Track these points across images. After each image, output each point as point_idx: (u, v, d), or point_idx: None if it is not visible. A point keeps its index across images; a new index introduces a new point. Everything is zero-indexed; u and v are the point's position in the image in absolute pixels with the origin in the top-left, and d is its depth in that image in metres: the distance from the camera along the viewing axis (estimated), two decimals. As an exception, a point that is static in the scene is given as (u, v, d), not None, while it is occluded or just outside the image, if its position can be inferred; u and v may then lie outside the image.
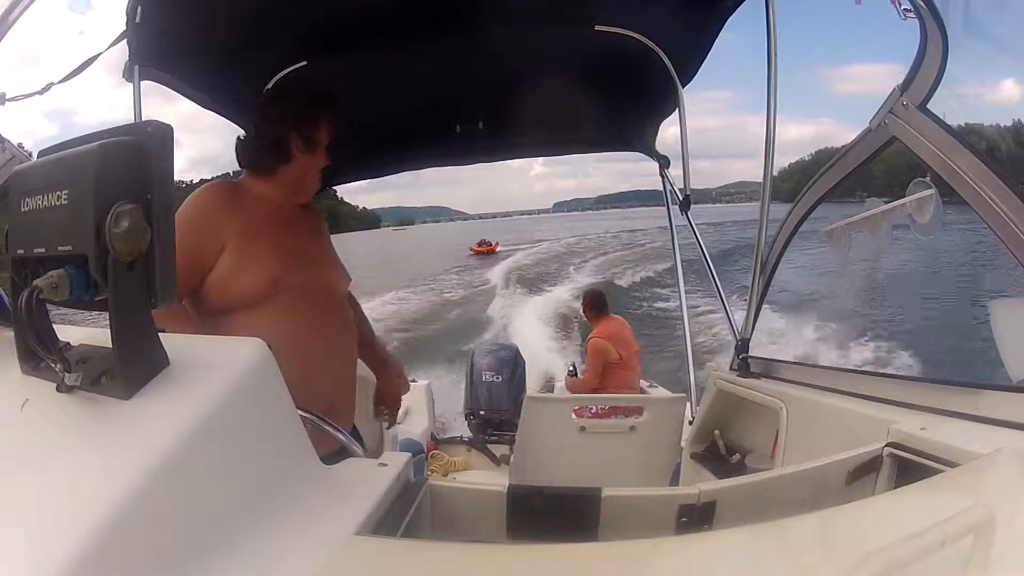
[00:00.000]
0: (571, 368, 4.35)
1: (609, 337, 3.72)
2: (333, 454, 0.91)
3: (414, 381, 3.64)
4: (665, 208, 2.92)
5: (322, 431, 0.98)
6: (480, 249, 30.54)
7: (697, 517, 0.89)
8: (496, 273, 21.91)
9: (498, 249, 30.14)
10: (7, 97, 1.19)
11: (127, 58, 1.59)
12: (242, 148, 1.35)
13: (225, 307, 1.20)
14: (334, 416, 1.24)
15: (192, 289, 1.19)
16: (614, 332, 3.77)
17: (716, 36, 2.05)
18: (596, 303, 3.97)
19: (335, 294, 1.37)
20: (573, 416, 1.86)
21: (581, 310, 4.16)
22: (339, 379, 1.34)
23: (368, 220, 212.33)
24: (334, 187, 3.23)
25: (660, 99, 2.47)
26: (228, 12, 1.65)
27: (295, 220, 1.34)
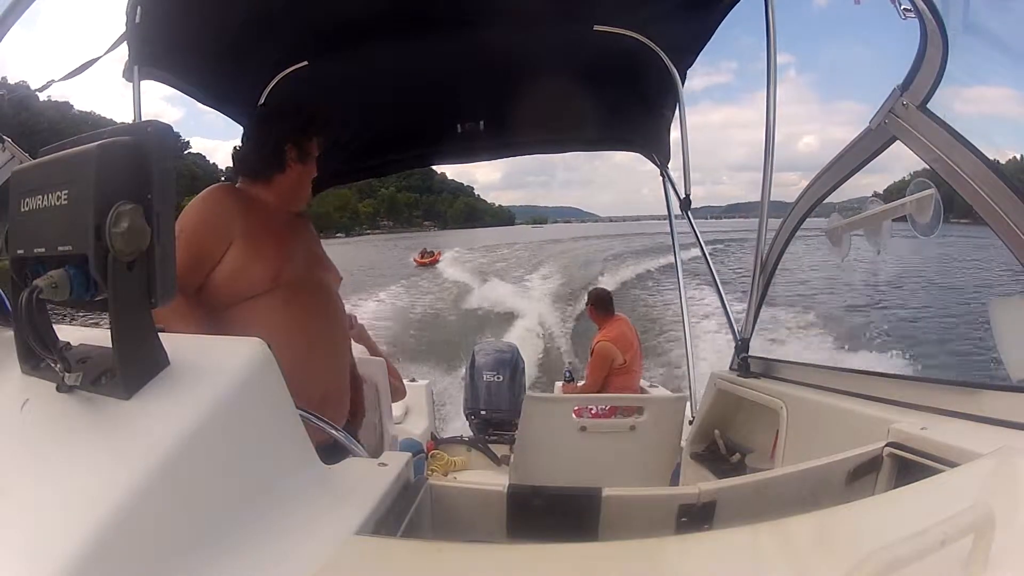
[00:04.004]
0: (567, 374, 4.31)
1: (615, 340, 3.70)
2: (328, 447, 0.92)
3: (413, 381, 3.64)
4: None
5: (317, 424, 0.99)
6: (423, 260, 30.76)
7: (697, 517, 0.89)
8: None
9: (440, 259, 30.37)
10: (7, 97, 1.19)
11: (127, 58, 1.59)
12: (240, 158, 1.44)
13: (230, 300, 1.28)
14: (328, 402, 1.35)
15: (199, 285, 1.27)
16: (620, 334, 3.75)
17: (713, 33, 2.06)
18: (601, 303, 3.94)
19: (328, 289, 1.48)
20: (573, 416, 1.86)
21: (586, 311, 4.13)
22: (334, 366, 1.43)
23: (503, 217, 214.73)
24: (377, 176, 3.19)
25: (661, 98, 2.47)
26: (228, 13, 1.65)
27: (290, 224, 1.45)
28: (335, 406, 1.41)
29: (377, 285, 18.74)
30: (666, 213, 2.92)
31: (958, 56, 1.11)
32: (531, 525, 0.89)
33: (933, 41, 1.12)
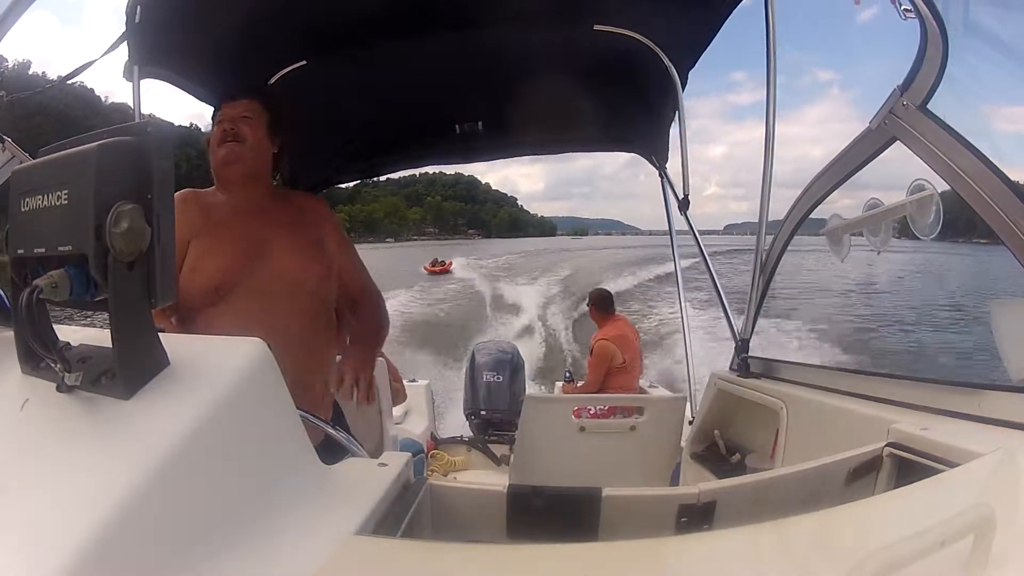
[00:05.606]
0: (567, 375, 4.32)
1: (615, 340, 3.70)
2: (328, 447, 0.91)
3: (413, 381, 3.64)
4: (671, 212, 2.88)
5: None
6: (434, 268, 30.93)
7: (697, 517, 0.89)
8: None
9: (452, 268, 30.60)
10: (7, 97, 1.19)
11: (127, 58, 1.59)
12: None
13: (184, 312, 1.26)
14: (301, 404, 1.24)
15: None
16: (620, 334, 3.76)
17: (715, 35, 2.05)
18: (602, 303, 3.95)
19: (292, 285, 1.34)
20: (573, 416, 1.87)
21: (588, 311, 4.15)
22: (303, 367, 1.27)
23: (545, 228, 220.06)
24: (350, 182, 3.23)
25: (660, 99, 2.47)
26: (227, 12, 1.65)
27: (255, 216, 1.35)
28: (313, 409, 1.22)
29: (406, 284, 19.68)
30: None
31: (958, 56, 1.11)
32: (531, 525, 0.89)
33: (933, 41, 1.12)
